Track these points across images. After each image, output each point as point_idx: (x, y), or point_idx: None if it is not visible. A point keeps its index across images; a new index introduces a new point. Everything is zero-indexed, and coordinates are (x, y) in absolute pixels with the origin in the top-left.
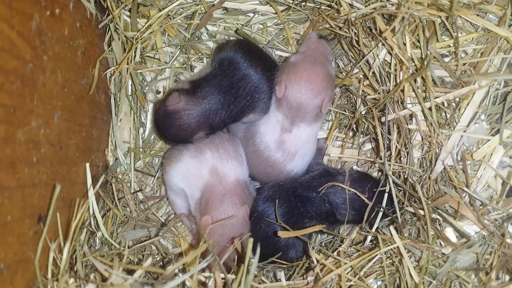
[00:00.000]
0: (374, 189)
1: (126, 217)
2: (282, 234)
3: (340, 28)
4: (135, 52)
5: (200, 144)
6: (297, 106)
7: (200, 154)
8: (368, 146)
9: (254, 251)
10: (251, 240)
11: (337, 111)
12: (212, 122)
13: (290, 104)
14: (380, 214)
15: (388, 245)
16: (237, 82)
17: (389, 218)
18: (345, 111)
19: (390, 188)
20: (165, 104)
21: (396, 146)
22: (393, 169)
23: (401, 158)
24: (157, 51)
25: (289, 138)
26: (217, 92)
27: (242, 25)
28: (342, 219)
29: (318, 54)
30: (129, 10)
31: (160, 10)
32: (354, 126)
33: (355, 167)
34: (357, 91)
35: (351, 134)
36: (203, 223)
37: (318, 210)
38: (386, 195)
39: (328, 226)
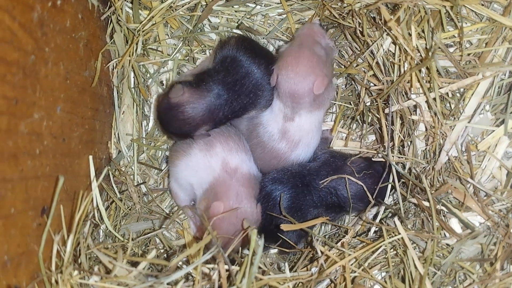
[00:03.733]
0: (378, 179)
1: (130, 210)
2: (285, 227)
3: (344, 19)
4: (137, 44)
5: (210, 137)
6: (289, 92)
7: (210, 147)
8: (372, 137)
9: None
10: (255, 231)
11: (340, 104)
12: (216, 117)
13: (284, 92)
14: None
15: (392, 236)
16: (240, 80)
17: (392, 209)
18: (350, 103)
19: (393, 178)
20: (168, 96)
21: (400, 136)
22: (396, 160)
23: (405, 149)
24: (159, 43)
25: (292, 127)
26: (221, 87)
27: (243, 16)
28: (350, 211)
29: (305, 38)
30: (131, 2)
31: (162, 2)
32: (358, 117)
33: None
34: (362, 81)
35: (354, 126)
36: (214, 208)
37: (324, 200)
38: (389, 187)
39: (333, 216)
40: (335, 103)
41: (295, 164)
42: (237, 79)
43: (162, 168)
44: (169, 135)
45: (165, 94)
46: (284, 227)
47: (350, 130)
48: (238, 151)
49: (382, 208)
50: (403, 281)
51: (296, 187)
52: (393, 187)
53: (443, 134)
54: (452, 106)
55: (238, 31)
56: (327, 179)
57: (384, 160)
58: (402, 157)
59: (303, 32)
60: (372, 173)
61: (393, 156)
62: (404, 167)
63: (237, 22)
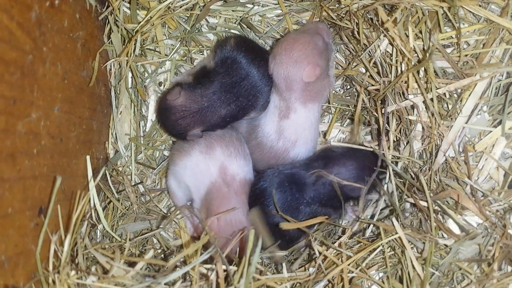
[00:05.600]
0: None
1: (127, 210)
2: (284, 225)
3: (341, 20)
4: (135, 44)
5: (211, 140)
6: (283, 77)
7: (210, 150)
8: (368, 138)
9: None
10: (253, 231)
11: (336, 107)
12: (210, 120)
13: (278, 77)
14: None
15: (390, 236)
16: (239, 82)
17: (390, 208)
18: (348, 106)
19: (390, 177)
20: (166, 98)
21: (397, 136)
22: (392, 159)
23: (401, 149)
24: (157, 43)
25: (288, 124)
26: (218, 90)
27: (241, 16)
28: (353, 194)
29: (308, 29)
30: (129, 2)
31: (160, 2)
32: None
33: None
34: (360, 81)
35: (349, 128)
36: (210, 226)
37: (317, 194)
38: (386, 185)
39: (330, 212)
40: (330, 106)
41: (287, 163)
42: (236, 81)
43: (160, 168)
44: (167, 134)
45: (165, 94)
46: (283, 225)
47: (341, 124)
48: (237, 157)
49: (379, 206)
50: (401, 281)
51: (283, 186)
52: (391, 185)
53: (440, 135)
54: (450, 106)
55: (236, 32)
56: (316, 171)
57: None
58: (398, 157)
59: (308, 25)
60: (357, 154)
61: (390, 155)
62: (400, 167)
63: (235, 23)
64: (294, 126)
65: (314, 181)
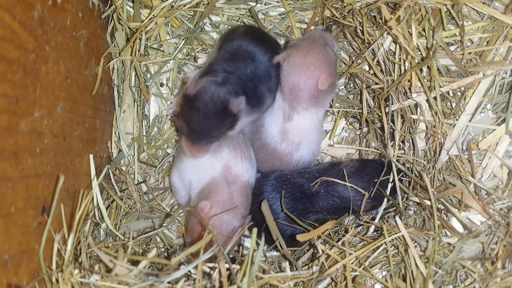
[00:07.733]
0: (377, 178)
1: (130, 208)
2: (300, 237)
3: (344, 18)
4: (139, 44)
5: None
6: (292, 84)
7: (217, 149)
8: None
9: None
10: (255, 230)
11: (339, 108)
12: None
13: (286, 82)
14: (385, 201)
15: (393, 234)
16: (244, 75)
17: (394, 208)
18: (352, 106)
19: (393, 174)
20: (185, 93)
21: (401, 135)
22: (397, 158)
23: (405, 148)
24: (160, 42)
25: (291, 126)
26: (229, 80)
27: (243, 14)
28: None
29: (318, 38)
30: (132, 1)
31: (162, 1)
32: (358, 116)
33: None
34: (362, 82)
35: (351, 127)
36: (201, 206)
37: (325, 205)
38: (390, 184)
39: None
40: (333, 109)
41: (295, 171)
42: (241, 74)
43: (162, 167)
44: (200, 132)
45: (181, 95)
46: (300, 237)
47: (348, 124)
48: (243, 159)
49: (382, 206)
50: (404, 280)
51: (294, 196)
52: (394, 185)
53: (443, 133)
54: (453, 105)
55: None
56: (318, 180)
57: (379, 158)
58: (402, 156)
59: (315, 34)
60: (368, 170)
61: (394, 155)
62: (404, 165)
63: (238, 21)
64: (298, 128)
65: (323, 193)
